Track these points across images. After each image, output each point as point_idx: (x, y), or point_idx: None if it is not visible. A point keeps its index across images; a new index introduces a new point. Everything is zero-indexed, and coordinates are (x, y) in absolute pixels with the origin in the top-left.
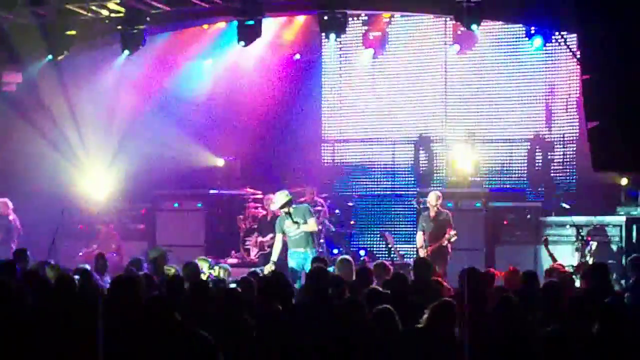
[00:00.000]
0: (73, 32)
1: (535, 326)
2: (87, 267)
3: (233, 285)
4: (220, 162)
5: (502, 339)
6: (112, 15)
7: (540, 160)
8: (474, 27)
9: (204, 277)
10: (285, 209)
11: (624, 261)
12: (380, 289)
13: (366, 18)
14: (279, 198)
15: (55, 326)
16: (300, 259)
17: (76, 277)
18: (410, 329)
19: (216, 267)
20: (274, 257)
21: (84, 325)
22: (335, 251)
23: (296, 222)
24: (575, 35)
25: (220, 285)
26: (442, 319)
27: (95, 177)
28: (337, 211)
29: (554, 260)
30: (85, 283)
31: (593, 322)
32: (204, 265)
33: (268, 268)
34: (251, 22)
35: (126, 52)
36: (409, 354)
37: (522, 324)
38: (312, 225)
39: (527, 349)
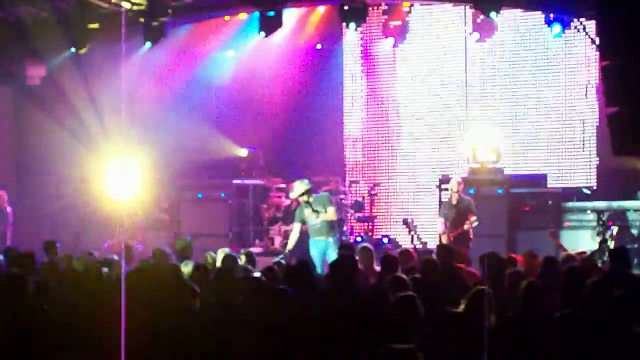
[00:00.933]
0: (95, 25)
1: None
2: (116, 257)
3: (257, 274)
4: (243, 152)
5: (527, 323)
6: (134, 7)
7: (561, 147)
8: (493, 14)
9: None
10: (305, 198)
11: None
12: (404, 276)
13: (386, 7)
14: (298, 187)
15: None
16: (322, 247)
17: (104, 269)
18: (447, 313)
19: (240, 257)
20: (290, 245)
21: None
22: (359, 239)
23: (316, 211)
24: (593, 21)
25: (245, 273)
26: (479, 305)
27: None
28: (360, 200)
29: (564, 250)
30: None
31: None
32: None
33: (288, 248)
34: (272, 13)
35: (148, 44)
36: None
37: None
38: (331, 214)
39: (549, 333)
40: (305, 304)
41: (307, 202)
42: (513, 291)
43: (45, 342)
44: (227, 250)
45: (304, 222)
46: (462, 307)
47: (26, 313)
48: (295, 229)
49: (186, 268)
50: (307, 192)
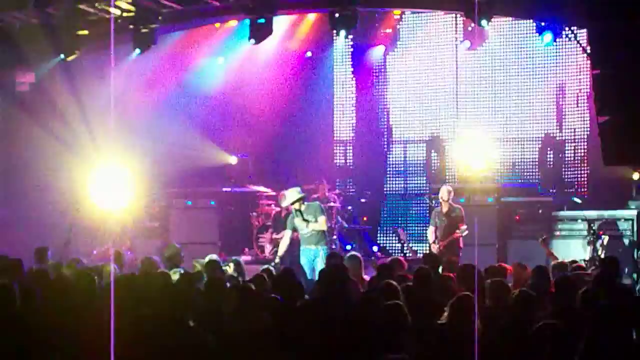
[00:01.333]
0: (84, 32)
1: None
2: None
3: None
4: (233, 159)
5: (516, 333)
6: (124, 14)
7: (552, 156)
8: (484, 23)
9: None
10: (297, 206)
11: (635, 255)
12: (395, 283)
13: (377, 15)
14: (290, 195)
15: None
16: (311, 255)
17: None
18: (430, 325)
19: (229, 265)
20: (280, 252)
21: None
22: (349, 247)
23: (306, 220)
24: (585, 30)
25: (233, 281)
26: (461, 314)
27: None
28: (349, 208)
29: (555, 258)
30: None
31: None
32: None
33: (279, 255)
34: (262, 20)
35: (137, 50)
36: (429, 350)
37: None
38: (322, 223)
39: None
40: (296, 312)
41: (298, 211)
42: (496, 301)
43: (33, 351)
44: (214, 256)
45: (295, 230)
46: (445, 315)
47: (15, 322)
48: (286, 236)
49: (175, 276)
50: (299, 201)
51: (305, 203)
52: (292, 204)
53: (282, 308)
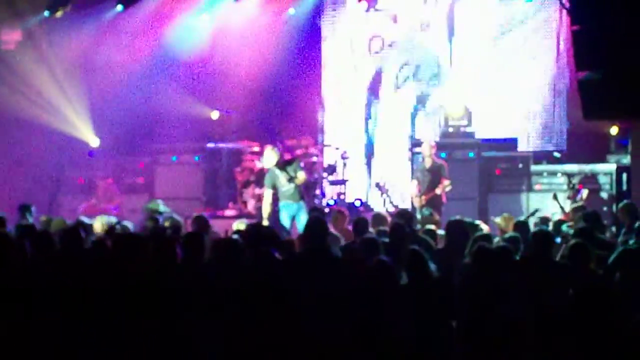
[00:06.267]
0: None
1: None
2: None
3: (235, 237)
4: (215, 114)
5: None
6: None
7: (532, 110)
8: None
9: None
10: (280, 165)
11: (614, 208)
12: (374, 237)
13: None
14: (270, 155)
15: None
16: (293, 210)
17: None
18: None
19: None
20: (266, 214)
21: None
22: (332, 202)
23: (291, 177)
24: None
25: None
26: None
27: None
28: (332, 162)
29: (564, 212)
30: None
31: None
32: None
33: (266, 214)
34: None
35: (119, 6)
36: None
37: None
38: (302, 178)
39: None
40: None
41: (282, 169)
42: None
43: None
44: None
45: (274, 187)
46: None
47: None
48: (267, 194)
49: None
50: (280, 160)
51: (286, 160)
52: (275, 165)
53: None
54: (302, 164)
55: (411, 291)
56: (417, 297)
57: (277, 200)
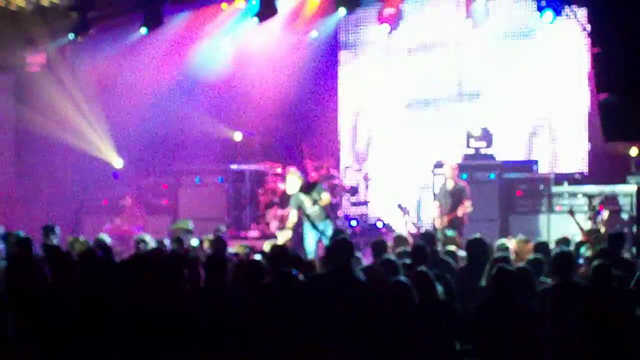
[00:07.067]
0: (95, 12)
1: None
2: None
3: (258, 257)
4: (238, 135)
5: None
6: None
7: (553, 133)
8: (485, 1)
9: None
10: (304, 191)
11: (634, 229)
12: (394, 259)
13: None
14: (293, 181)
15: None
16: (320, 229)
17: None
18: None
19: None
20: (286, 235)
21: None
22: (354, 223)
23: (315, 200)
24: (585, 8)
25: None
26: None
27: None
28: (353, 184)
29: (582, 230)
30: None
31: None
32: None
33: (284, 237)
34: (268, 0)
35: (144, 29)
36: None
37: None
38: (326, 198)
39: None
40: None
41: (306, 194)
42: None
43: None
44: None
45: (300, 208)
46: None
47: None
48: (292, 215)
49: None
50: (304, 185)
51: (308, 185)
52: (300, 190)
53: (298, 282)
54: (324, 185)
55: (420, 312)
56: (424, 317)
57: (303, 220)
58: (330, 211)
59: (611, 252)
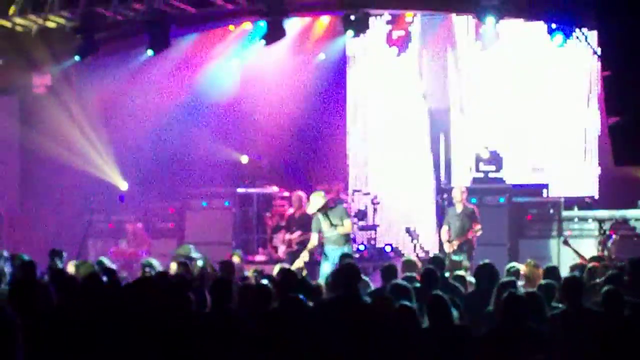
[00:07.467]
0: (100, 34)
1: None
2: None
3: (265, 281)
4: (244, 159)
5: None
6: (139, 17)
7: (562, 156)
8: (494, 24)
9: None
10: (323, 211)
11: None
12: (405, 283)
13: (390, 17)
14: (316, 201)
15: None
16: (337, 256)
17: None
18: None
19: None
20: (301, 261)
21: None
22: (362, 247)
23: (334, 225)
24: (595, 31)
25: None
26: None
27: (118, 175)
28: (361, 208)
29: (580, 256)
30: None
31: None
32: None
33: (302, 259)
34: (275, 23)
35: (150, 52)
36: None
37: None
38: (348, 227)
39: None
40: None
41: (325, 215)
42: None
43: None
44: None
45: (320, 232)
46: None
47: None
48: (314, 237)
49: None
50: (326, 206)
51: (330, 206)
52: (319, 210)
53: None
54: (348, 212)
55: (431, 336)
56: (437, 342)
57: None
58: (350, 236)
59: (620, 277)
